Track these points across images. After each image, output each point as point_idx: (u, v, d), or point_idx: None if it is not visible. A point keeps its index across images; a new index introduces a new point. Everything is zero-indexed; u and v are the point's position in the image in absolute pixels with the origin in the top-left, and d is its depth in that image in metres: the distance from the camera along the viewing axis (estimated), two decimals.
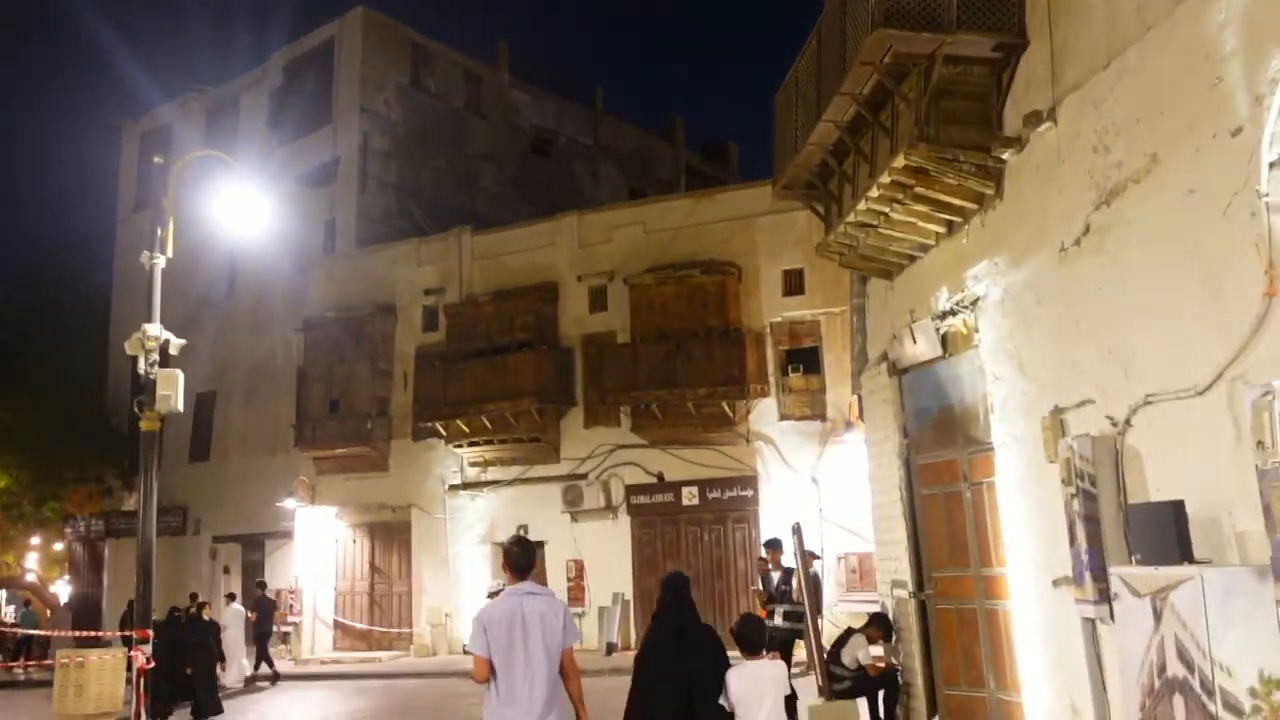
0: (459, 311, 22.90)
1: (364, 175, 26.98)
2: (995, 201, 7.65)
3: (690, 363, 19.71)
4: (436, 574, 22.49)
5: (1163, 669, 5.04)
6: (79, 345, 31.07)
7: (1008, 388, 7.58)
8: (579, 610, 21.01)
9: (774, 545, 11.32)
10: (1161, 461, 5.75)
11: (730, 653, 6.15)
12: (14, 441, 27.52)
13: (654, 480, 20.73)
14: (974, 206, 7.91)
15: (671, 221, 21.46)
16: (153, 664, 11.57)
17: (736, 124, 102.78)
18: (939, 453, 8.95)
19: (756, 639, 5.92)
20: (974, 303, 8.07)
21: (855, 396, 11.31)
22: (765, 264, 20.35)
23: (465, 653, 16.97)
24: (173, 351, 12.02)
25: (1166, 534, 5.18)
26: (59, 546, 33.17)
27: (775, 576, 11.09)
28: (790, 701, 10.49)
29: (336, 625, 23.89)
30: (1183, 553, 5.11)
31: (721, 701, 5.64)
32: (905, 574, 9.31)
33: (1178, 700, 4.93)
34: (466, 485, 22.68)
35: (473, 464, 22.59)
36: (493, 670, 5.31)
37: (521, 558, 5.70)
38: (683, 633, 5.86)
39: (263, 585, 22.05)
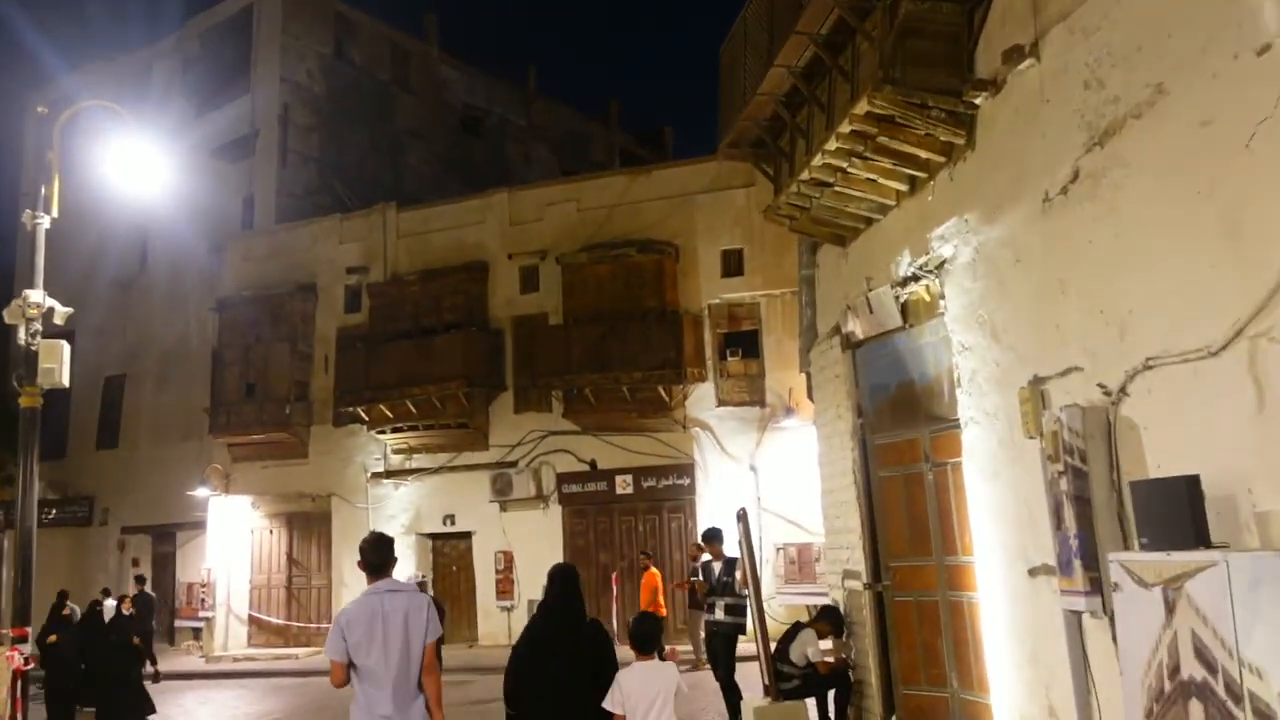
0: (383, 291, 21.81)
1: (284, 148, 25.67)
2: (966, 152, 6.95)
3: (625, 345, 18.91)
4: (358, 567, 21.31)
5: (1175, 670, 4.36)
6: None
7: (978, 358, 6.89)
8: (508, 604, 20.15)
9: (714, 535, 10.57)
10: (1163, 433, 5.08)
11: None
12: None
13: (587, 468, 19.91)
14: (941, 159, 7.21)
15: (606, 199, 20.62)
16: (34, 666, 10.48)
17: (672, 110, 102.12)
18: (898, 432, 8.26)
19: (651, 638, 5.56)
20: (939, 266, 7.37)
21: (804, 374, 10.59)
22: (703, 244, 19.62)
23: None
24: (58, 321, 10.85)
25: (1179, 514, 4.49)
26: None
27: (717, 567, 10.32)
28: (735, 702, 9.84)
29: (251, 620, 22.66)
30: (1199, 536, 4.43)
31: (607, 705, 5.29)
32: (859, 564, 8.61)
33: (1195, 706, 4.26)
34: (390, 473, 21.62)
35: (397, 451, 21.54)
36: (356, 672, 5.26)
37: (376, 554, 5.58)
38: (573, 629, 5.47)
39: (142, 580, 20.95)
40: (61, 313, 10.85)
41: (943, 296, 7.40)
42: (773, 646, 8.95)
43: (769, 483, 18.36)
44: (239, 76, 26.82)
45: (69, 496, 27.27)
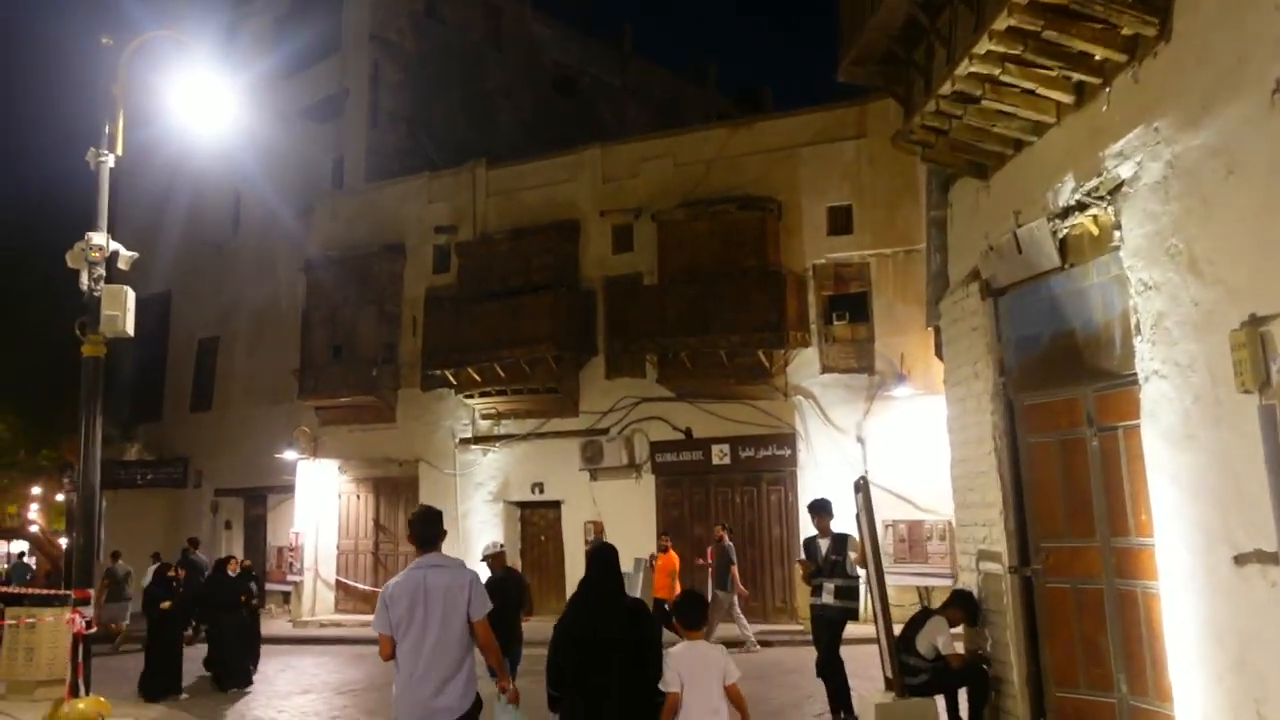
0: (472, 251, 21.06)
1: (374, 108, 25.09)
2: (1157, 45, 5.68)
3: (724, 307, 17.80)
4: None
5: None
6: (74, 288, 29.42)
7: (1167, 298, 5.66)
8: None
9: (821, 507, 9.42)
10: None
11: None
12: (8, 389, 26.06)
13: (681, 437, 18.91)
14: (1121, 58, 5.95)
15: (705, 154, 19.48)
16: (95, 629, 9.97)
17: (771, 75, 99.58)
18: (1052, 391, 7.04)
19: (699, 616, 5.55)
20: (1114, 190, 6.12)
21: (931, 329, 9.39)
22: (808, 200, 18.36)
23: None
24: (122, 265, 10.25)
25: None
26: (60, 498, 31.94)
27: (824, 545, 9.17)
28: (840, 683, 8.78)
29: (339, 585, 22.32)
30: None
31: (664, 685, 5.17)
32: (999, 544, 7.44)
33: None
34: (478, 439, 20.95)
35: (485, 416, 20.84)
36: (398, 648, 5.18)
37: (424, 528, 5.51)
38: (616, 610, 5.28)
39: (194, 543, 20.70)
40: (126, 256, 10.25)
41: (1117, 227, 6.16)
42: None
43: (878, 455, 17.13)
44: (329, 35, 26.31)
45: (165, 458, 27.36)
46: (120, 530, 26.27)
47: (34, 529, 31.46)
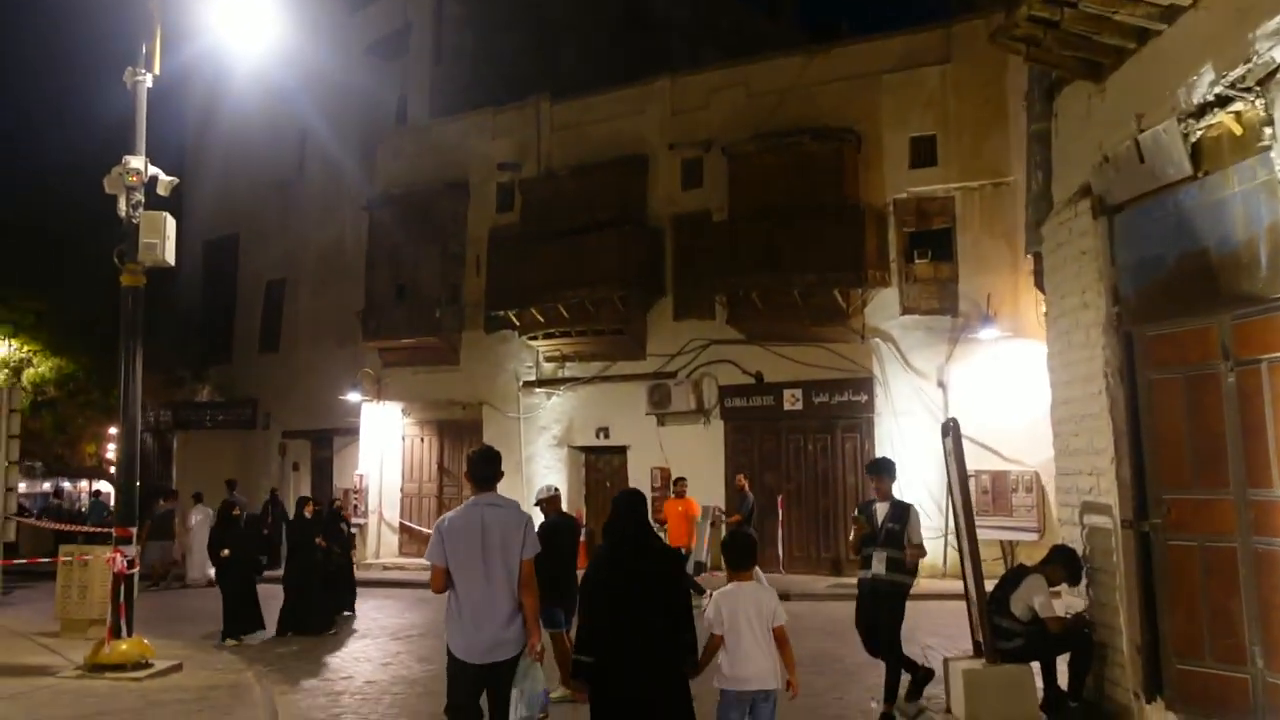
0: (535, 188, 20.36)
1: (438, 43, 24.39)
2: None
3: (798, 245, 16.87)
4: (509, 478, 19.70)
5: None
6: None
7: None
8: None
9: (883, 468, 8.09)
10: None
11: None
12: (81, 328, 26.20)
13: (752, 381, 18.12)
14: None
15: (779, 83, 18.42)
16: (138, 570, 9.63)
17: (850, 9, 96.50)
18: (1179, 321, 6.11)
19: (747, 556, 5.42)
20: (1267, 77, 5.15)
21: (1030, 256, 8.45)
22: (889, 130, 17.26)
23: None
24: (161, 191, 9.73)
25: None
26: None
27: (882, 510, 7.82)
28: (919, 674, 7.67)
29: (402, 529, 22.11)
30: None
31: (707, 625, 5.10)
32: (1109, 495, 6.57)
33: None
34: (542, 382, 20.40)
35: (549, 359, 20.27)
36: (452, 582, 5.23)
37: (484, 467, 5.52)
38: (645, 557, 5.02)
39: (232, 485, 20.71)
40: (165, 181, 9.74)
41: (1268, 123, 5.20)
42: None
43: (960, 401, 16.15)
44: None
45: (234, 400, 27.39)
46: (192, 471, 26.51)
47: (113, 469, 31.97)
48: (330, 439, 24.69)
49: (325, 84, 25.24)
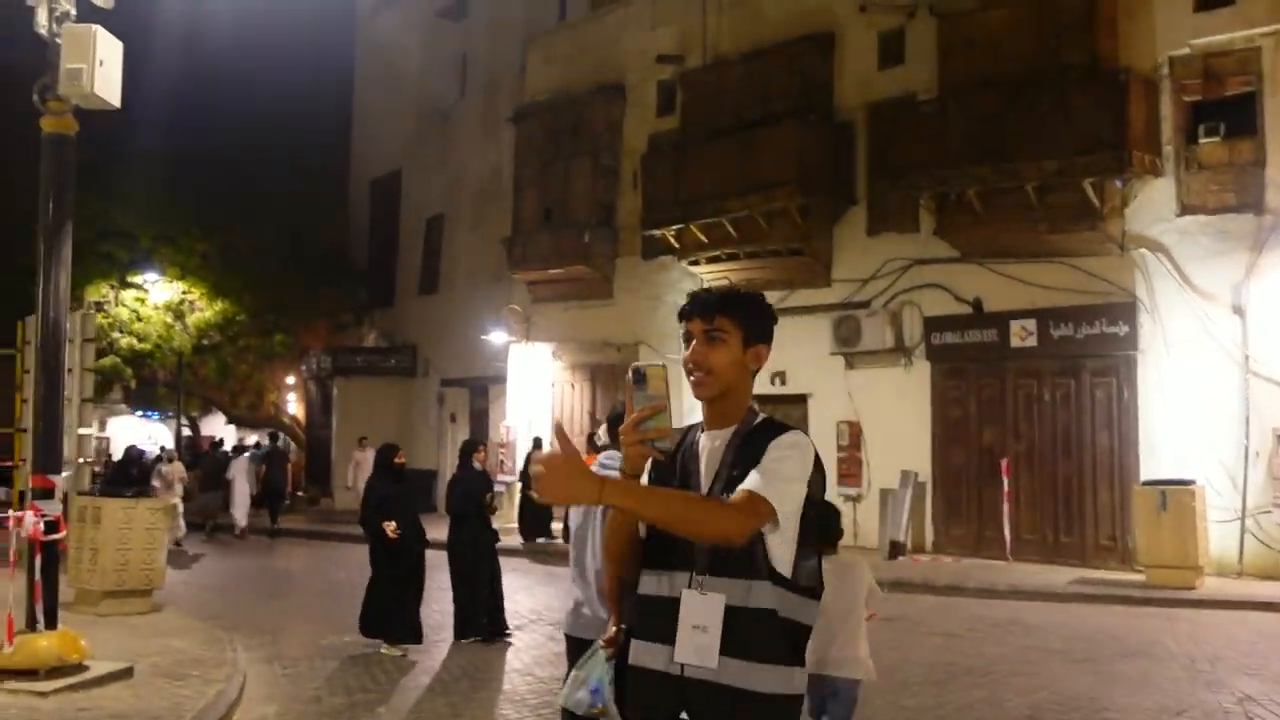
0: (699, 82, 16.84)
1: None
2: None
3: (1031, 124, 12.65)
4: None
5: None
6: (318, 168, 28.12)
7: None
8: (853, 491, 15.01)
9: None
10: None
11: None
12: (246, 270, 24.88)
13: (968, 310, 14.08)
14: None
15: None
16: (65, 533, 6.98)
17: None
18: None
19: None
20: None
21: None
22: None
23: None
24: (100, 2, 6.91)
25: None
26: (290, 381, 31.51)
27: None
28: None
29: None
30: None
31: None
32: None
33: None
34: None
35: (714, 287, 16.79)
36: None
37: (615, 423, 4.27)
38: None
39: (275, 436, 19.56)
40: None
41: None
42: None
43: (1265, 333, 11.64)
44: None
45: (395, 346, 25.51)
46: (353, 420, 24.72)
47: (285, 418, 31.03)
48: (486, 388, 22.25)
49: None
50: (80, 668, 6.77)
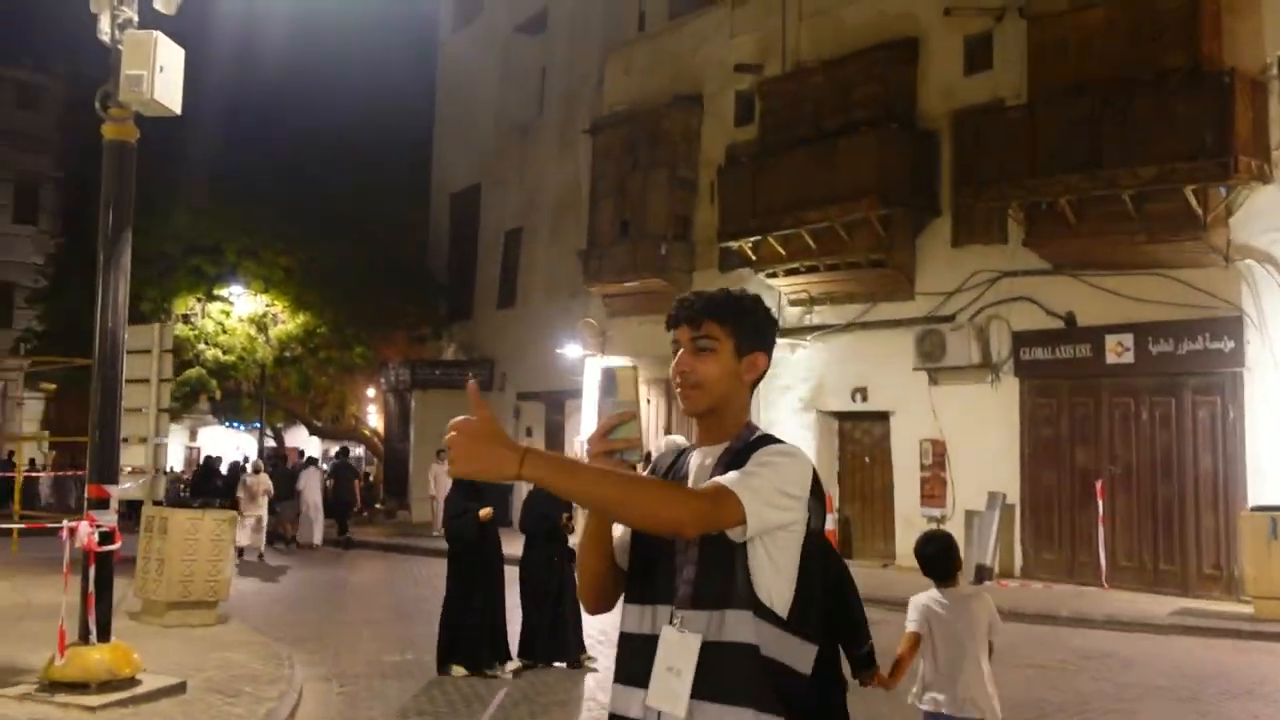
0: (778, 90, 16.47)
1: None
2: None
3: (1128, 129, 11.99)
4: None
5: None
6: (399, 183, 28.47)
7: None
8: (937, 513, 14.43)
9: None
10: None
11: None
12: (327, 283, 25.19)
13: (1060, 324, 13.43)
14: None
15: None
16: (120, 544, 6.90)
17: None
18: None
19: (947, 564, 4.34)
20: None
21: None
22: None
23: None
24: (161, 8, 6.85)
25: None
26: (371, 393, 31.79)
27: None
28: None
29: None
30: None
31: (912, 626, 4.26)
32: None
33: None
34: (785, 331, 16.47)
35: (794, 301, 16.38)
36: None
37: None
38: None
39: (344, 451, 19.92)
40: None
41: None
42: None
43: None
44: None
45: (472, 360, 25.55)
46: (431, 431, 24.77)
47: (365, 431, 31.33)
48: (562, 402, 22.10)
49: (564, 12, 22.82)
50: (132, 681, 6.67)
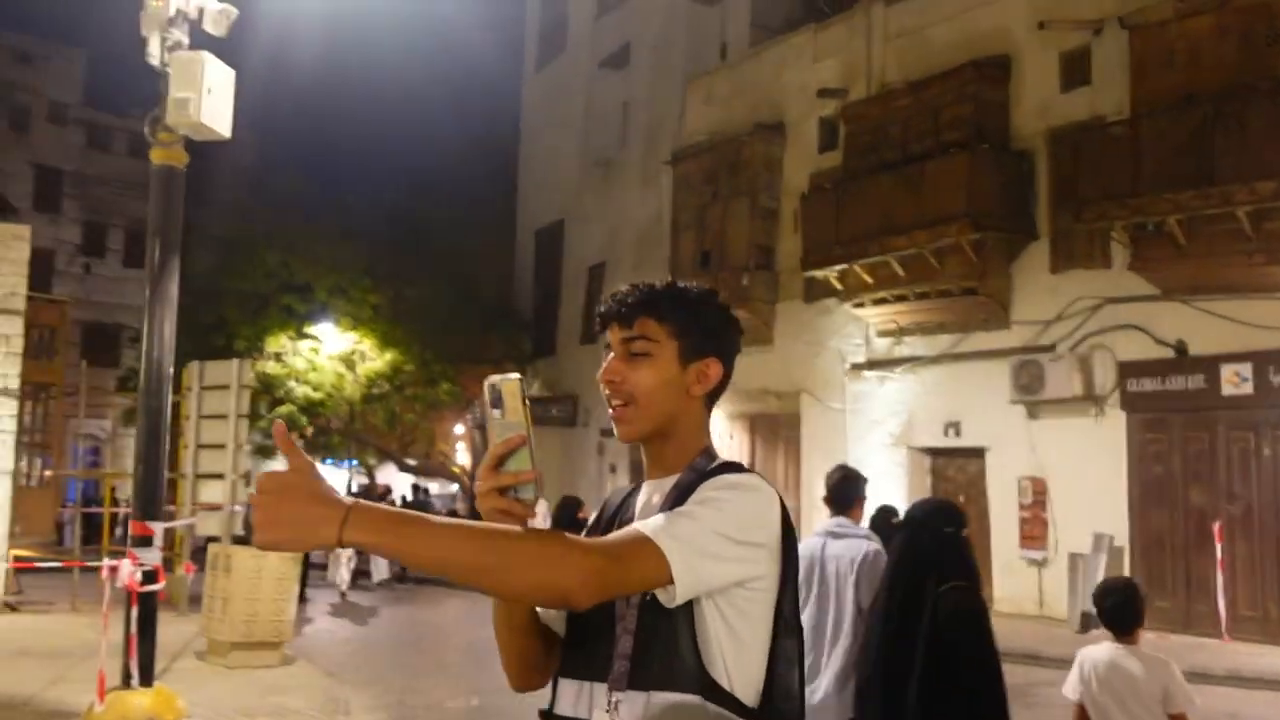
0: (863, 114, 15.90)
1: None
2: None
3: (1241, 142, 11.17)
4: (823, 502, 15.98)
5: None
6: (484, 220, 28.66)
7: None
8: (1038, 555, 13.56)
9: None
10: None
11: None
12: (414, 320, 25.40)
13: (1170, 353, 12.52)
14: None
15: None
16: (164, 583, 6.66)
17: None
18: None
19: (1130, 613, 3.86)
20: None
21: None
22: None
23: None
24: (212, 28, 6.70)
25: None
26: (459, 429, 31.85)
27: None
28: None
29: None
30: None
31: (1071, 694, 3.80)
32: None
33: None
34: (874, 363, 15.88)
35: (882, 332, 15.71)
36: None
37: (839, 490, 4.58)
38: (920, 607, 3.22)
39: (417, 488, 20.49)
40: (218, 9, 6.65)
41: None
42: None
43: None
44: None
45: (556, 396, 25.37)
46: None
47: (455, 468, 31.36)
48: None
49: (646, 46, 22.70)
50: None
